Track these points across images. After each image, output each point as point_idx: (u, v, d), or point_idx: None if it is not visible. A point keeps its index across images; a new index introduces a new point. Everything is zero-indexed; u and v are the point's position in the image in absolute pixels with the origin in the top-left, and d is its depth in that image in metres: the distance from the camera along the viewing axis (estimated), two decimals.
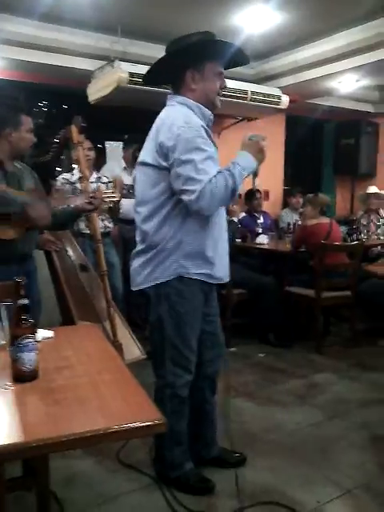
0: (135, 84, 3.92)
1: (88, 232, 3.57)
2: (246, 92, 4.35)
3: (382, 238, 4.88)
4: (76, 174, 3.60)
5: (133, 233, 4.23)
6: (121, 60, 3.95)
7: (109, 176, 3.92)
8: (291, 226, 4.67)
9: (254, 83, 4.34)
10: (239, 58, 1.95)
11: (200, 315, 1.96)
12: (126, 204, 4.13)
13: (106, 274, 3.06)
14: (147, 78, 2.06)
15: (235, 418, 2.67)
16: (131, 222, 4.18)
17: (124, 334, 3.12)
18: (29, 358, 1.23)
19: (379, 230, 4.94)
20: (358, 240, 4.72)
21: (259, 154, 1.83)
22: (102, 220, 3.69)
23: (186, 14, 3.66)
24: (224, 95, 4.23)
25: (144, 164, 1.84)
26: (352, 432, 2.53)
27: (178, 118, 1.77)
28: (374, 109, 5.70)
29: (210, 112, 1.90)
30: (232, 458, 2.23)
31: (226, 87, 1.94)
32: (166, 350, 1.92)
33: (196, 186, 1.67)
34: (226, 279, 1.98)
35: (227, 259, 1.98)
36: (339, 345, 3.94)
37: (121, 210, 4.15)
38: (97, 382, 1.22)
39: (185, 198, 1.71)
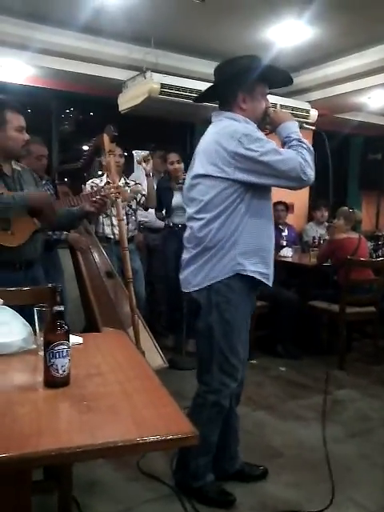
0: (166, 95, 3.98)
1: (112, 237, 3.62)
2: (274, 105, 4.35)
3: None
4: (104, 180, 3.65)
5: (157, 241, 4.35)
6: (152, 71, 4.01)
7: (137, 182, 3.96)
8: (316, 240, 4.64)
9: (283, 97, 4.35)
10: (285, 80, 2.07)
11: (247, 323, 2.02)
12: (152, 212, 4.18)
13: (131, 282, 3.09)
14: (198, 99, 2.23)
15: (256, 431, 2.67)
16: (156, 230, 4.29)
17: (147, 342, 3.13)
18: (62, 364, 1.25)
19: None
20: (383, 256, 4.67)
21: (286, 116, 2.01)
22: (127, 223, 3.73)
23: (219, 27, 3.71)
24: None
25: (203, 176, 1.91)
26: (375, 451, 2.49)
27: (234, 125, 1.89)
28: None
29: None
30: (254, 471, 2.23)
31: (270, 106, 2.03)
32: (214, 357, 1.96)
33: (292, 162, 1.81)
34: (270, 282, 2.02)
35: (272, 262, 2.03)
36: (361, 361, 3.89)
37: (147, 219, 4.21)
38: (128, 391, 1.24)
39: (292, 179, 1.84)
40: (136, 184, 3.85)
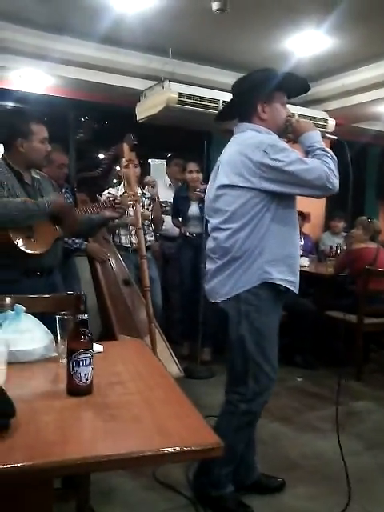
0: (184, 104, 4.02)
1: (129, 246, 3.64)
2: (293, 115, 4.36)
3: None
4: (121, 190, 3.68)
5: (173, 250, 4.36)
6: (170, 80, 4.05)
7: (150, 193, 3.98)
8: (333, 249, 4.62)
9: (300, 106, 4.36)
10: (302, 87, 2.10)
11: (276, 331, 2.01)
12: (169, 221, 4.20)
13: (149, 290, 3.10)
14: (219, 117, 2.21)
15: (272, 442, 2.65)
16: (172, 238, 4.30)
17: (163, 351, 3.14)
18: (85, 373, 1.26)
19: None
20: None
21: (308, 126, 2.02)
22: (144, 234, 3.74)
23: (237, 37, 3.73)
24: None
25: (228, 186, 1.93)
26: None
27: (258, 136, 1.92)
28: None
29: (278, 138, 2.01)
30: (272, 483, 2.22)
31: (292, 115, 2.05)
32: (249, 367, 1.97)
33: (317, 171, 1.83)
34: (297, 289, 2.02)
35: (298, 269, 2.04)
36: (379, 372, 3.85)
37: (164, 227, 4.22)
38: (150, 400, 1.24)
39: (318, 188, 1.86)
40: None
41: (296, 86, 2.07)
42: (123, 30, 3.60)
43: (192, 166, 3.98)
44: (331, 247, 4.73)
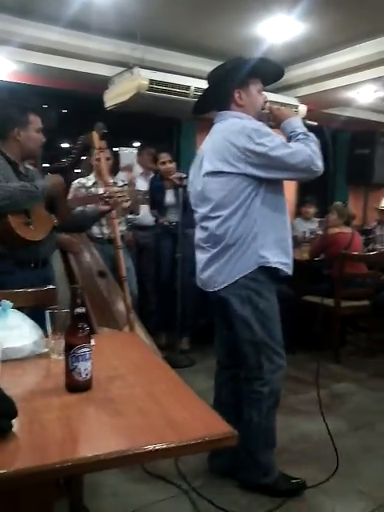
0: (154, 91, 3.94)
1: (101, 236, 3.56)
2: (268, 100, 4.35)
3: None
4: (91, 179, 3.59)
5: (147, 239, 4.30)
6: (140, 67, 3.96)
7: (124, 180, 3.91)
8: (307, 235, 4.66)
9: (272, 92, 4.34)
10: (277, 73, 2.10)
11: (277, 310, 2.04)
12: (142, 210, 4.13)
13: (126, 280, 3.05)
14: (197, 109, 2.21)
15: None
16: (146, 227, 4.24)
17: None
18: (85, 368, 1.21)
19: None
20: (373, 250, 4.72)
21: (288, 113, 2.03)
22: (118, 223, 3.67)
23: (208, 22, 3.68)
24: None
25: (213, 173, 1.92)
26: (378, 443, 2.52)
27: (242, 123, 1.91)
28: None
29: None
30: None
31: (267, 101, 2.05)
32: (260, 349, 2.00)
33: (302, 154, 1.83)
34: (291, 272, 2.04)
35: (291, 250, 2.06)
36: (356, 355, 3.93)
37: (135, 217, 4.15)
38: (154, 393, 1.20)
39: (303, 171, 1.86)
40: (124, 185, 3.79)
41: (270, 71, 2.08)
42: (91, 14, 3.48)
43: (164, 157, 3.91)
44: (304, 233, 4.77)
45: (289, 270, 2.00)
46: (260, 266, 1.93)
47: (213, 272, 2.00)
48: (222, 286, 1.98)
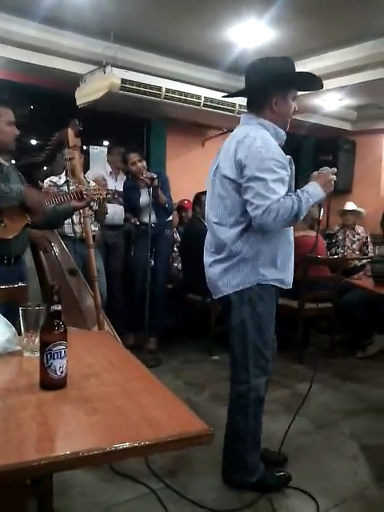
0: (127, 90, 3.94)
1: (73, 235, 3.53)
2: (234, 105, 4.42)
3: (357, 252, 5.03)
4: (63, 178, 3.57)
5: (116, 239, 4.29)
6: (112, 65, 3.94)
7: (91, 178, 3.88)
8: None
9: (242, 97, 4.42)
10: (316, 86, 2.08)
11: (273, 318, 2.09)
12: (111, 209, 4.11)
13: (96, 280, 3.04)
14: (231, 95, 2.30)
15: (223, 426, 2.69)
16: (115, 227, 4.23)
17: None
18: (60, 366, 1.22)
19: (354, 245, 5.09)
20: (336, 254, 4.86)
21: (327, 185, 1.97)
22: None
23: (181, 24, 3.70)
24: (212, 107, 4.39)
25: (226, 177, 1.95)
26: (341, 442, 2.59)
27: (256, 138, 1.87)
28: (352, 127, 5.90)
29: (283, 132, 2.03)
30: (274, 457, 2.33)
31: (297, 110, 2.06)
32: (249, 353, 2.03)
33: (265, 201, 1.80)
34: (290, 285, 2.10)
35: (293, 265, 2.11)
36: (319, 355, 4.02)
37: (106, 214, 4.13)
38: (130, 391, 1.21)
39: (251, 211, 1.84)
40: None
41: (311, 83, 2.04)
42: (65, 10, 3.45)
43: (133, 157, 3.89)
44: None
45: (286, 286, 2.07)
46: (259, 284, 1.97)
47: (215, 275, 2.05)
48: (224, 294, 2.03)
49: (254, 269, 1.96)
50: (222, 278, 2.02)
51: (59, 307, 1.25)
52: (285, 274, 2.04)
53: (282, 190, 1.84)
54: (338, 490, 2.14)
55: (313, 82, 2.04)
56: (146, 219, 3.82)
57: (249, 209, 1.86)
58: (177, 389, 3.23)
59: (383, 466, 2.37)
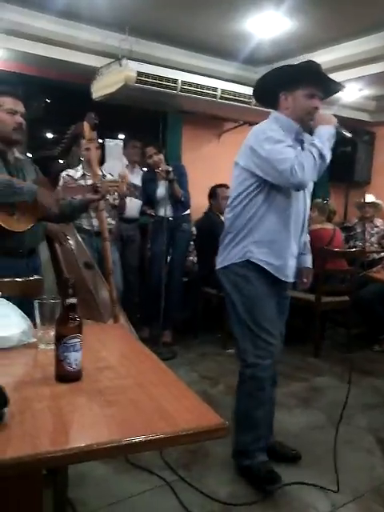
0: (143, 83, 3.92)
1: (90, 228, 3.55)
2: (251, 97, 4.37)
3: (375, 245, 4.97)
4: (79, 171, 3.57)
5: (132, 232, 4.30)
6: (128, 58, 3.93)
7: (113, 174, 3.88)
8: None
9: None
10: (332, 86, 2.14)
11: (270, 302, 2.12)
12: (127, 202, 4.12)
13: (112, 273, 3.05)
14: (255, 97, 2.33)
15: None
16: (131, 220, 4.24)
17: None
18: (75, 358, 1.22)
19: (373, 238, 5.02)
20: (354, 247, 4.80)
21: (326, 120, 2.02)
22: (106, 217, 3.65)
23: (196, 16, 3.66)
24: (229, 99, 4.35)
25: (236, 164, 2.11)
26: (357, 436, 2.58)
27: (265, 128, 2.03)
28: (371, 118, 5.79)
29: (297, 126, 2.08)
30: (287, 453, 2.33)
31: (318, 108, 2.06)
32: (245, 333, 2.11)
33: (286, 163, 1.89)
34: (290, 279, 2.16)
35: (294, 262, 2.16)
36: (336, 349, 4.00)
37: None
38: (144, 384, 1.21)
39: (282, 179, 1.92)
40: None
41: (320, 78, 2.07)
42: (81, 3, 3.44)
43: (150, 150, 3.92)
44: None
45: (275, 272, 2.08)
46: (248, 260, 2.06)
47: (219, 251, 2.19)
48: (218, 267, 2.16)
49: (245, 246, 2.06)
50: (223, 252, 2.15)
51: (74, 300, 1.25)
52: (279, 261, 2.07)
53: (292, 151, 1.93)
54: (355, 485, 2.13)
55: (318, 74, 2.07)
56: (162, 212, 3.81)
57: (280, 180, 1.93)
58: (192, 381, 3.24)
59: None
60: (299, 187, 1.96)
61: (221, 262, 2.15)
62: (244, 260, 2.06)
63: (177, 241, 3.96)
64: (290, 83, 2.05)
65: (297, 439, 2.50)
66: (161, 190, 3.89)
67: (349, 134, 2.11)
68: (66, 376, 1.22)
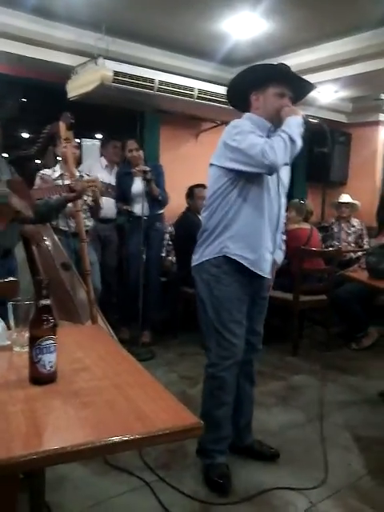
0: (119, 83, 3.89)
1: (67, 229, 3.51)
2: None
3: (352, 245, 5.04)
4: (57, 171, 3.53)
5: (109, 232, 4.26)
6: (104, 58, 3.90)
7: (90, 174, 3.85)
8: None
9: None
10: (303, 86, 2.16)
11: (240, 305, 2.12)
12: (105, 203, 4.09)
13: (89, 274, 3.03)
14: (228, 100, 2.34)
15: None
16: (108, 220, 4.21)
17: None
18: (49, 360, 1.21)
19: (350, 238, 5.09)
20: (331, 246, 4.86)
21: (291, 112, 2.02)
22: (84, 218, 3.61)
23: (173, 16, 3.66)
24: (206, 99, 4.36)
25: (211, 165, 2.12)
26: (335, 433, 2.60)
27: (237, 123, 2.06)
28: (348, 119, 5.89)
29: (269, 124, 2.10)
30: (265, 450, 2.34)
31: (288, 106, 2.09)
32: (211, 332, 2.13)
33: (257, 147, 1.90)
34: (267, 274, 2.15)
35: (270, 257, 2.16)
36: (314, 348, 4.04)
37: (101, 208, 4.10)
38: (120, 385, 1.21)
39: (255, 162, 1.92)
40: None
41: (289, 76, 2.08)
42: (56, 1, 3.41)
43: (131, 145, 3.90)
44: None
45: (252, 267, 2.08)
46: (224, 255, 2.06)
47: (195, 250, 2.19)
48: (193, 264, 2.17)
49: (221, 242, 2.07)
50: (199, 249, 2.16)
51: (48, 301, 1.24)
52: (254, 255, 2.07)
53: (262, 139, 1.96)
54: (332, 481, 2.15)
55: (288, 73, 2.08)
56: (137, 209, 3.81)
57: (252, 166, 1.93)
58: (171, 382, 3.23)
59: (377, 456, 2.38)
60: (272, 169, 1.93)
61: (196, 259, 2.16)
62: (220, 256, 2.07)
63: (151, 240, 3.94)
64: (260, 83, 2.07)
65: (275, 438, 2.52)
66: (136, 185, 3.87)
67: (315, 121, 2.15)
68: (40, 378, 1.21)
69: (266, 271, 2.13)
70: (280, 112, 2.04)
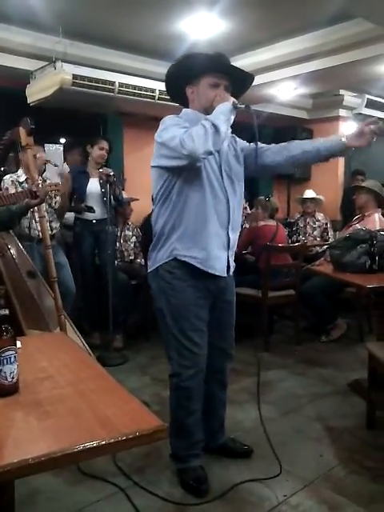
0: (79, 86, 3.87)
1: (33, 235, 3.45)
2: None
3: (318, 239, 5.12)
4: (22, 176, 3.47)
5: (72, 238, 4.19)
6: (62, 61, 3.86)
7: (51, 179, 3.80)
8: None
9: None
10: (241, 76, 2.04)
11: (199, 311, 2.06)
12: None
13: (56, 281, 2.99)
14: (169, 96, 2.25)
15: None
16: (71, 227, 4.14)
17: (75, 341, 3.05)
18: (11, 371, 1.19)
19: (315, 232, 5.17)
20: (297, 241, 4.93)
21: (222, 100, 1.92)
22: (50, 221, 3.56)
23: (131, 17, 3.65)
24: (167, 100, 4.33)
25: (151, 167, 2.05)
26: (306, 425, 2.64)
27: (165, 119, 1.98)
28: (309, 115, 5.98)
29: (204, 117, 1.94)
30: (238, 448, 2.34)
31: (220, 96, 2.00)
32: (170, 340, 2.07)
33: (176, 139, 1.83)
34: (222, 273, 2.07)
35: (224, 254, 2.07)
36: (284, 342, 4.09)
37: (65, 214, 4.05)
38: (84, 392, 1.20)
39: (176, 154, 1.83)
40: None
41: (220, 64, 1.99)
42: (11, 5, 3.35)
43: (104, 144, 3.87)
44: None
45: (203, 266, 2.01)
46: (174, 258, 2.01)
47: (148, 256, 2.14)
48: (148, 271, 2.12)
49: (171, 244, 2.02)
50: (151, 254, 2.11)
51: (6, 312, 1.22)
52: (202, 253, 2.00)
53: (182, 129, 1.87)
54: (305, 473, 2.18)
55: (219, 62, 1.99)
56: (89, 214, 3.82)
57: (174, 158, 1.86)
58: (145, 385, 3.22)
59: (348, 446, 2.43)
60: (192, 158, 1.81)
61: (150, 265, 2.10)
62: (171, 259, 2.01)
63: (102, 244, 3.87)
64: (193, 74, 2.00)
65: (249, 434, 2.54)
66: (92, 185, 3.82)
67: (242, 106, 1.95)
68: (1, 390, 1.19)
69: (218, 269, 2.04)
70: (213, 103, 1.94)
